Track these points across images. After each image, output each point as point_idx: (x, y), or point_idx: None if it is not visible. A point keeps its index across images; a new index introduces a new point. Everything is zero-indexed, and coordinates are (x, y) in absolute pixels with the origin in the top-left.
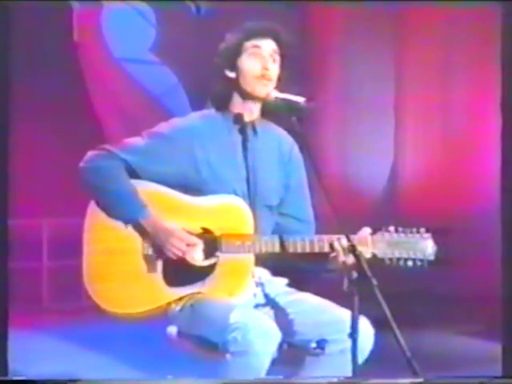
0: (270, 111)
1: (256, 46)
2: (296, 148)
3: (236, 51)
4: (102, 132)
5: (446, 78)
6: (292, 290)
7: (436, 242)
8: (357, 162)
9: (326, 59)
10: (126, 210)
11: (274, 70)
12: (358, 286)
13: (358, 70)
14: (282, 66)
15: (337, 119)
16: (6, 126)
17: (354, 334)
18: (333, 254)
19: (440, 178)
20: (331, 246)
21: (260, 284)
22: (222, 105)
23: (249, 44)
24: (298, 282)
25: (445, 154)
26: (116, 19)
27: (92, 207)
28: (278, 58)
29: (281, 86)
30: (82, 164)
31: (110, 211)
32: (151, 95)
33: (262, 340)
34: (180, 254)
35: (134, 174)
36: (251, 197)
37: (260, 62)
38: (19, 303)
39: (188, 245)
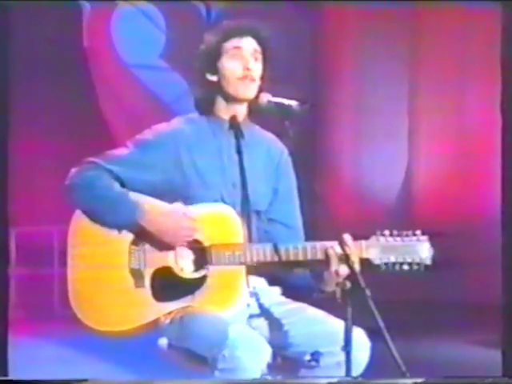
0: (262, 115)
1: (236, 47)
2: (286, 153)
3: (215, 53)
4: (113, 139)
5: (461, 82)
6: (287, 299)
7: (434, 245)
8: (370, 167)
9: (340, 63)
10: (121, 213)
11: (257, 68)
12: (351, 297)
13: (372, 73)
14: (266, 63)
15: (350, 123)
16: (16, 133)
17: (347, 347)
18: (328, 277)
19: (454, 183)
20: (325, 254)
21: (254, 293)
22: (206, 109)
23: (228, 45)
24: (294, 291)
25: (459, 158)
26: (126, 25)
27: (74, 221)
28: (259, 55)
29: (266, 83)
30: (67, 182)
31: (104, 219)
32: (161, 102)
33: (251, 356)
34: (192, 236)
35: (121, 184)
36: (240, 202)
37: (241, 63)
38: (31, 310)
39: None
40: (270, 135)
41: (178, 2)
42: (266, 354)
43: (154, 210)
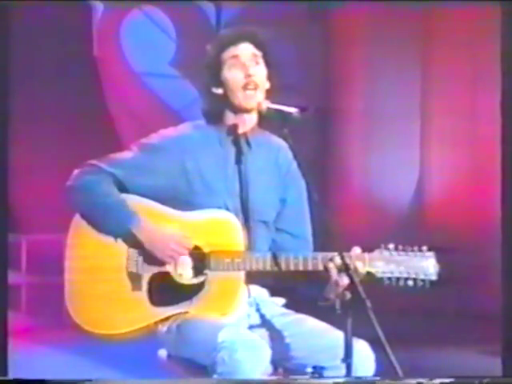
0: (263, 122)
1: (234, 56)
2: (295, 162)
3: (217, 66)
4: (122, 146)
5: (475, 88)
6: (289, 311)
7: (439, 261)
8: (382, 176)
9: (350, 68)
10: (116, 221)
11: (259, 73)
12: (351, 308)
13: (382, 79)
14: (268, 65)
15: (360, 130)
16: (27, 141)
17: (347, 358)
18: (329, 287)
19: (467, 193)
20: (325, 265)
21: (255, 304)
22: (215, 120)
23: (226, 55)
24: (296, 302)
25: (473, 167)
26: (136, 33)
27: (75, 223)
28: (260, 59)
29: (272, 88)
30: (68, 183)
31: (100, 225)
32: (171, 109)
33: (251, 359)
34: (178, 258)
35: (122, 187)
36: (244, 212)
37: (242, 71)
38: (40, 318)
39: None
40: (280, 144)
41: (187, 8)
42: (266, 356)
43: (149, 220)
